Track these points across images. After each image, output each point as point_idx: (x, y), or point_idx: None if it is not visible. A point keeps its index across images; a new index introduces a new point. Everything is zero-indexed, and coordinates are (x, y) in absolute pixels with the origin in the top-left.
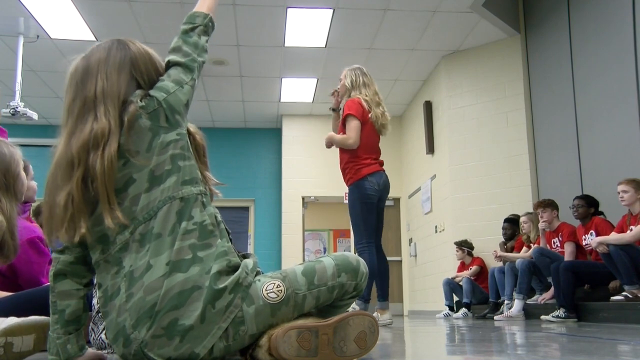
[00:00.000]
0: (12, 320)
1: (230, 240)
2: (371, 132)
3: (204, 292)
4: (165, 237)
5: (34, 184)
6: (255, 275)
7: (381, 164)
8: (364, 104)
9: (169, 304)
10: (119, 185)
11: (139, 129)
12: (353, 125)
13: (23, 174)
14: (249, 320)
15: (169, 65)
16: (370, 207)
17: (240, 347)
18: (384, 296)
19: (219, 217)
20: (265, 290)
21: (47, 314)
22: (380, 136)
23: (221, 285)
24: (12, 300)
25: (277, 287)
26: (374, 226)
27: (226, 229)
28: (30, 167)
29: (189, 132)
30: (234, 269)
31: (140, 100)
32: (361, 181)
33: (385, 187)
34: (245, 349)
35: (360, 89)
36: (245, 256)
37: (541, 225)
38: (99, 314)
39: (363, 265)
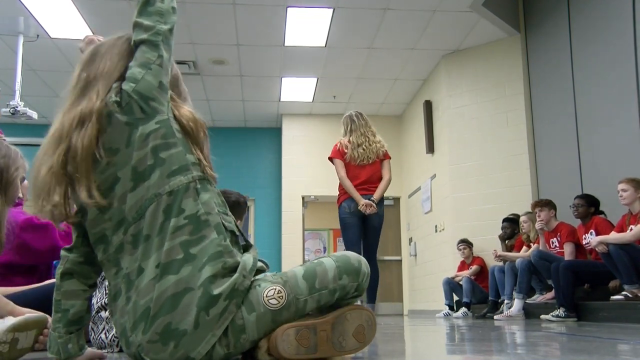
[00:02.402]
0: (9, 320)
1: (238, 230)
2: (350, 166)
3: (197, 295)
4: (153, 238)
5: (26, 182)
6: (257, 273)
7: (362, 189)
8: (339, 146)
9: (164, 308)
10: (106, 185)
11: (115, 125)
12: (335, 165)
13: (18, 183)
14: (250, 328)
15: (136, 44)
16: (346, 227)
17: (241, 351)
18: (369, 299)
19: (219, 208)
20: (266, 296)
21: (46, 312)
22: (375, 161)
23: (216, 292)
24: (16, 298)
25: (277, 292)
26: (353, 241)
27: (236, 224)
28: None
29: (175, 117)
30: (230, 270)
31: (116, 95)
32: (339, 206)
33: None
34: (245, 351)
35: (348, 135)
36: (246, 248)
37: (538, 225)
38: (99, 314)
39: (365, 265)
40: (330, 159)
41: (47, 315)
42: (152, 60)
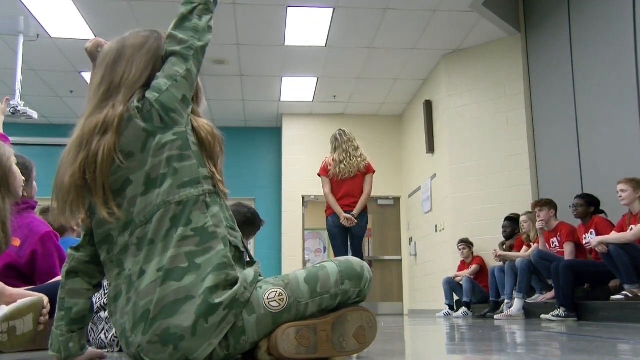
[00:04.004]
0: (2, 310)
1: (244, 246)
2: (333, 181)
3: (197, 303)
4: (157, 243)
5: (34, 184)
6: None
7: (345, 203)
8: (325, 164)
9: (163, 312)
10: (117, 186)
11: (133, 129)
12: (321, 181)
13: (15, 167)
14: (250, 330)
15: (167, 55)
16: (332, 237)
17: (241, 352)
18: None
19: (227, 223)
20: (267, 298)
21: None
22: (356, 174)
23: (217, 300)
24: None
25: (279, 295)
26: (340, 248)
27: (242, 240)
28: (34, 169)
29: (193, 128)
30: (231, 283)
31: (138, 101)
32: (326, 218)
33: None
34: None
35: (332, 152)
36: (250, 263)
37: (538, 224)
38: (98, 314)
39: (367, 271)
40: (319, 174)
41: (43, 295)
42: (179, 73)
